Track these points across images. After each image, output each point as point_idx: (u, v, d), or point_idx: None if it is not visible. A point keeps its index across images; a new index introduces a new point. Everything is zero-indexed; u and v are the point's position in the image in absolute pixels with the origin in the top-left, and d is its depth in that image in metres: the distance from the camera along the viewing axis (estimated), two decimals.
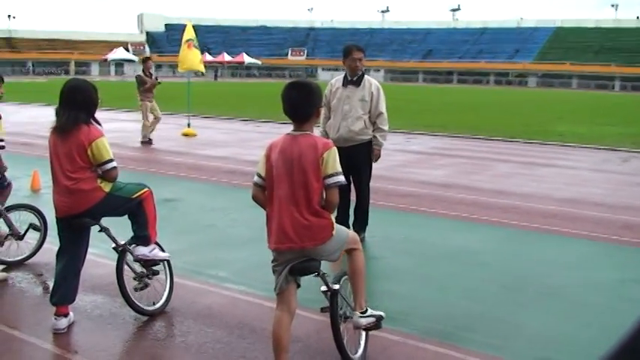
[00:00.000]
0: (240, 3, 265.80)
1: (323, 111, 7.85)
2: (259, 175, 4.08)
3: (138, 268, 5.20)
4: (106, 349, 4.63)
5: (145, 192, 5.12)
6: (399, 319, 5.12)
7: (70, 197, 4.78)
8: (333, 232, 4.01)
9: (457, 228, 8.48)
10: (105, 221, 5.07)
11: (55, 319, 4.84)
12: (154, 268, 5.24)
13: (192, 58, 18.07)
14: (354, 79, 7.49)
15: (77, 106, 4.80)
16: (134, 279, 5.17)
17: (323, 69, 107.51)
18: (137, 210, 5.07)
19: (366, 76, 7.54)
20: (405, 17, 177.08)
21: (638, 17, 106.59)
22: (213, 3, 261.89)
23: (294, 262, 3.98)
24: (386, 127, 7.49)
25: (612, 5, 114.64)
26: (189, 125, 18.97)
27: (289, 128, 4.13)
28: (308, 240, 3.92)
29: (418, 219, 8.96)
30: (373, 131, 7.46)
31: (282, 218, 3.92)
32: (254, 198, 4.15)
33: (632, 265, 7.04)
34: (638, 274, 6.67)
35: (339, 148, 7.47)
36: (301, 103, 4.04)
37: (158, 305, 5.25)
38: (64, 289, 4.88)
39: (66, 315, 4.88)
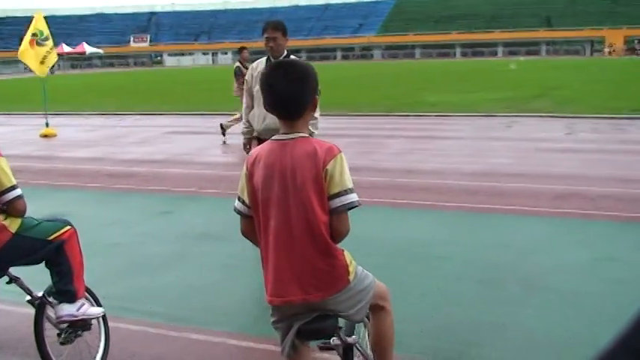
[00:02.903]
0: None
1: (245, 99, 6.82)
2: (242, 201, 2.94)
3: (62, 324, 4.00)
4: None
5: (66, 231, 3.85)
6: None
7: None
8: (350, 278, 2.87)
9: (392, 216, 7.76)
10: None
11: None
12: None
13: (32, 55, 16.08)
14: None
15: None
16: (58, 335, 3.99)
17: (169, 54, 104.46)
18: (57, 256, 3.80)
19: (292, 56, 6.53)
20: None
21: None
22: None
23: (300, 320, 2.84)
24: (317, 114, 6.57)
25: None
26: (47, 125, 17.09)
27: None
28: (313, 290, 2.79)
29: None
30: None
31: (277, 261, 2.80)
32: (244, 234, 3.02)
33: (593, 240, 6.59)
34: (606, 250, 6.20)
35: (264, 141, 6.58)
36: (294, 92, 2.81)
37: None
38: None
39: None
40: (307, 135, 2.89)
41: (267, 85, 2.85)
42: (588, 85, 28.01)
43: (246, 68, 14.79)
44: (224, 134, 14.76)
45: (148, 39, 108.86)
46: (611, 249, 6.24)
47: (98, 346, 4.20)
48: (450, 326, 4.62)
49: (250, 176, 2.88)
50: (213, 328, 4.70)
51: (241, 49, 15.29)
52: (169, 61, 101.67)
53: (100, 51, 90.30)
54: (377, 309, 3.14)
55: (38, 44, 15.89)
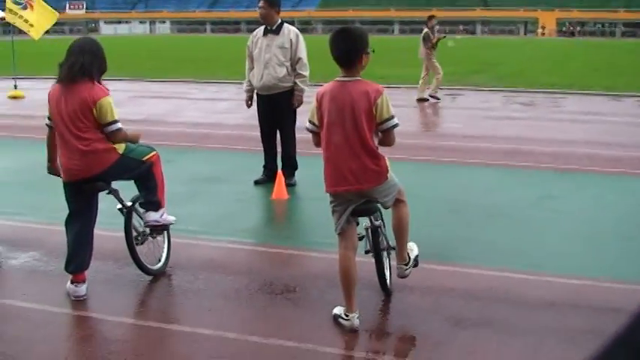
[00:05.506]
0: None
1: (247, 62, 7.94)
2: (312, 123, 4.24)
3: (140, 227, 5.12)
4: (133, 306, 4.64)
5: (154, 155, 5.00)
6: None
7: (84, 159, 4.58)
8: (388, 176, 4.18)
9: None
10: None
11: (76, 285, 4.68)
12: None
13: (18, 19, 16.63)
14: (273, 28, 7.67)
15: (86, 58, 4.64)
16: (135, 237, 5.09)
17: (105, 22, 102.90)
18: (147, 174, 4.94)
19: (285, 24, 7.74)
20: None
21: None
22: None
23: (353, 204, 4.15)
24: (306, 73, 7.73)
25: None
26: (15, 87, 17.69)
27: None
28: (365, 182, 4.09)
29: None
30: (294, 78, 7.67)
31: (339, 162, 4.09)
32: (315, 145, 4.35)
33: (537, 183, 8.04)
34: (547, 190, 7.66)
35: (262, 97, 7.75)
36: (350, 48, 4.09)
37: (161, 264, 5.21)
38: (81, 255, 4.72)
39: (84, 281, 4.74)
40: (360, 78, 4.15)
41: (335, 42, 4.15)
42: (524, 62, 29.87)
43: (434, 34, 15.89)
44: (437, 97, 16.30)
45: (84, 6, 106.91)
46: (551, 190, 7.71)
47: (163, 248, 5.33)
48: (429, 240, 5.87)
49: (319, 106, 4.17)
50: (245, 239, 5.90)
51: (430, 17, 16.81)
52: (106, 29, 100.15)
53: None
54: (398, 202, 4.42)
55: (17, 3, 16.34)
